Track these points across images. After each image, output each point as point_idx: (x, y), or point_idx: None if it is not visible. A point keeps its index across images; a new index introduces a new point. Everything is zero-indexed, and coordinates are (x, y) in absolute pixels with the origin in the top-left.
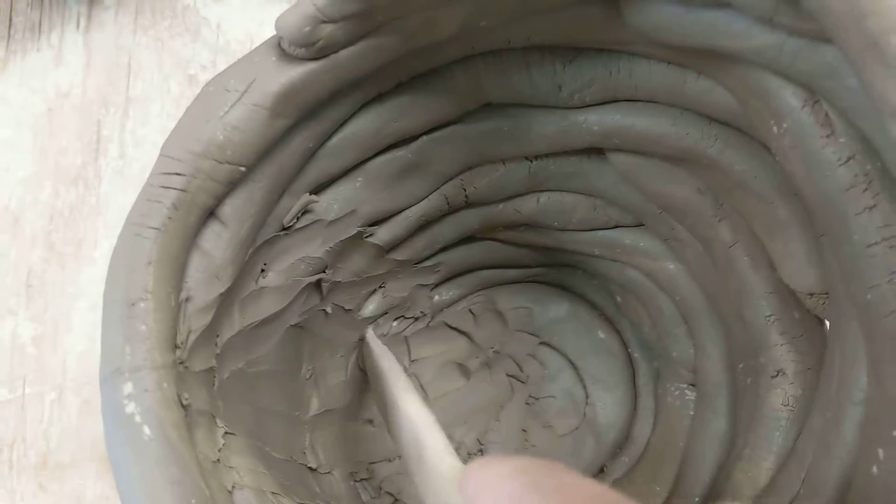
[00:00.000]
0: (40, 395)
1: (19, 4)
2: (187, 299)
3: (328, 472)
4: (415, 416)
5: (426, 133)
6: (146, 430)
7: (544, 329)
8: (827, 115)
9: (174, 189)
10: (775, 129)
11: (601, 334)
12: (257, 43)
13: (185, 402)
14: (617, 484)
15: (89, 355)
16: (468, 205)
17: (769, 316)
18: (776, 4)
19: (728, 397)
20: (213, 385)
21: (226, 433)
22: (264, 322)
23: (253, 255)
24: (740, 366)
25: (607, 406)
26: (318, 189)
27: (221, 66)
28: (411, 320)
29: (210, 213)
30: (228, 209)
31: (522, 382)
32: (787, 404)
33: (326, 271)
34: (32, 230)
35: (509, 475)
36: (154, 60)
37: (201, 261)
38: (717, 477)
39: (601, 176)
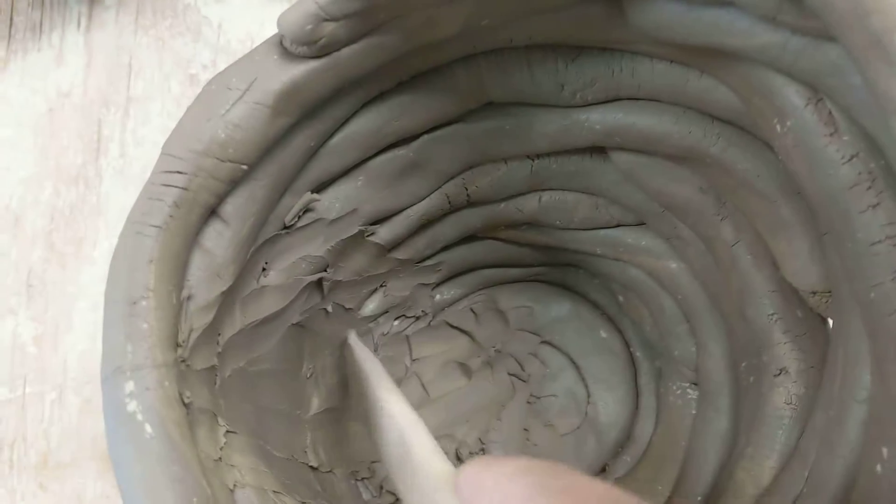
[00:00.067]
0: (41, 395)
1: (20, 4)
2: (189, 297)
3: (329, 471)
4: (400, 417)
5: (428, 132)
6: (148, 428)
7: (546, 328)
8: (830, 113)
9: (176, 187)
10: (778, 127)
11: (603, 333)
12: (258, 42)
13: (186, 401)
14: (618, 483)
15: (90, 355)
16: (470, 204)
17: (772, 314)
18: (779, 3)
19: (730, 396)
20: (215, 383)
21: (227, 432)
22: (265, 321)
23: (254, 253)
24: (743, 364)
25: (609, 405)
26: (319, 188)
27: (222, 66)
28: (412, 319)
29: (212, 212)
30: (230, 208)
31: (524, 381)
32: (790, 403)
33: (327, 270)
34: (33, 230)
35: (512, 476)
36: (155, 60)
37: (203, 259)
38: (719, 476)
39: (603, 175)
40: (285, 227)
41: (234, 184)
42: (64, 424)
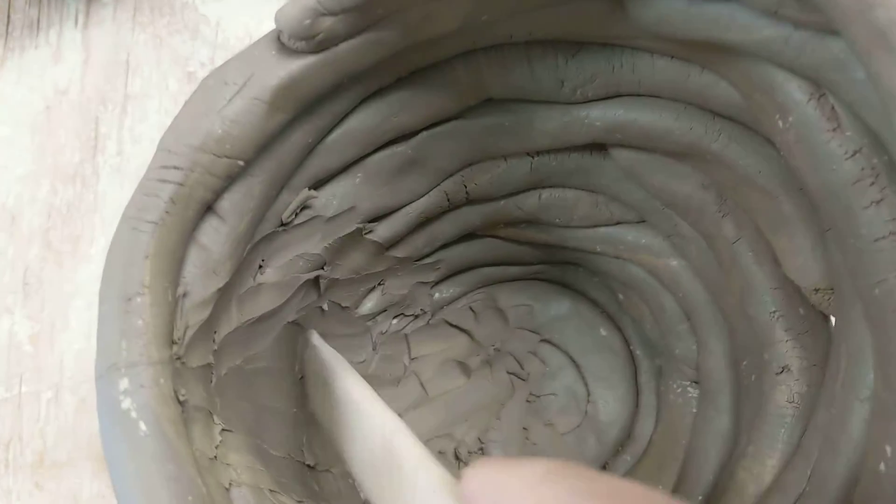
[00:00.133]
0: (37, 394)
1: (17, 2)
2: (185, 294)
3: (326, 470)
4: (383, 422)
5: (427, 128)
6: (142, 426)
7: (545, 326)
8: (833, 108)
9: (172, 183)
10: (780, 123)
11: (603, 332)
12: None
13: (181, 399)
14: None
15: (86, 353)
16: (469, 201)
17: (773, 312)
18: None
19: (731, 395)
20: (211, 381)
21: (223, 430)
22: (262, 318)
23: (251, 251)
24: (744, 363)
25: (609, 404)
26: (317, 185)
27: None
28: (411, 318)
29: (208, 208)
30: (227, 204)
31: (523, 380)
32: (792, 401)
33: (325, 268)
34: (30, 228)
35: (543, 479)
36: (152, 58)
37: (199, 256)
38: (720, 475)
39: (603, 172)
40: (282, 225)
41: (231, 180)
42: (60, 424)
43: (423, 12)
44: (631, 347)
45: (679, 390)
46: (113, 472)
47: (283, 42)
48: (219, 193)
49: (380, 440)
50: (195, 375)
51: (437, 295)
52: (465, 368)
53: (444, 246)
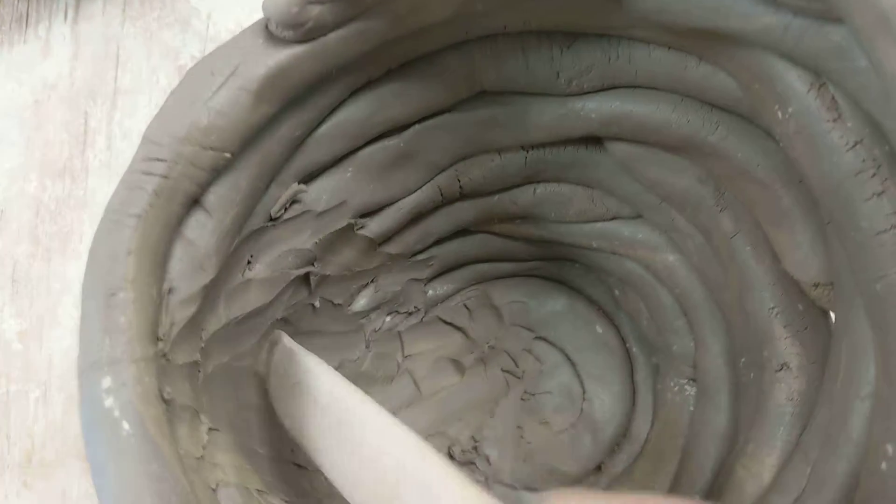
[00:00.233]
0: (25, 392)
1: None
2: (170, 290)
3: (317, 470)
4: (405, 443)
5: (419, 121)
6: (125, 425)
7: (540, 324)
8: (833, 98)
9: (156, 175)
10: (780, 113)
11: (599, 329)
12: None
13: (166, 397)
14: (616, 482)
15: (75, 351)
16: (462, 196)
17: (772, 308)
18: None
19: (729, 392)
20: (197, 379)
21: (210, 429)
22: (251, 315)
23: (239, 246)
24: (742, 360)
25: (605, 402)
26: (307, 179)
27: None
28: (404, 315)
29: (194, 202)
30: (213, 198)
31: (518, 378)
32: (792, 399)
33: (315, 264)
34: (18, 224)
35: None
36: (143, 51)
37: (185, 250)
38: (718, 474)
39: (599, 166)
40: (271, 219)
41: (217, 172)
42: (48, 422)
43: (413, 1)
44: (627, 345)
45: (676, 388)
46: (94, 471)
47: (272, 31)
48: (205, 187)
49: (393, 460)
50: (181, 373)
51: (430, 292)
52: (458, 366)
53: (438, 242)
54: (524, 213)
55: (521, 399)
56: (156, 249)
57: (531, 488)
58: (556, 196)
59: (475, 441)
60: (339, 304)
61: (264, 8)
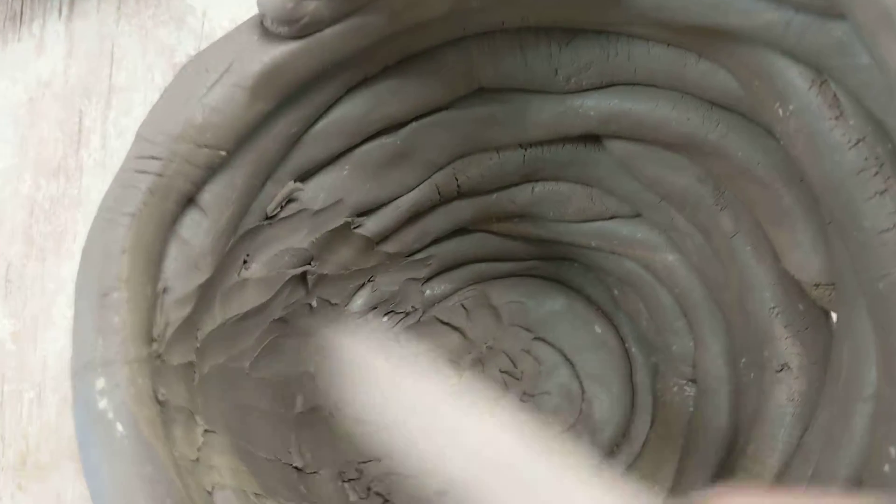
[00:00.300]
0: (19, 393)
1: None
2: (165, 290)
3: (315, 472)
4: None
5: (416, 119)
6: (119, 426)
7: (539, 324)
8: (835, 95)
9: (150, 174)
10: (780, 111)
11: (598, 329)
12: None
13: (161, 398)
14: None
15: (69, 352)
16: (460, 195)
17: (773, 308)
18: None
19: (730, 393)
20: (193, 380)
21: (206, 431)
22: (247, 315)
23: (235, 245)
24: (743, 360)
25: (604, 403)
26: (303, 177)
27: None
28: (402, 315)
29: (189, 200)
30: (208, 196)
31: (517, 379)
32: (793, 400)
33: (312, 263)
34: (12, 223)
35: None
36: (138, 49)
37: (180, 250)
38: (718, 475)
39: (598, 164)
40: (267, 218)
41: (212, 171)
42: (43, 423)
43: None
44: (626, 345)
45: (676, 388)
46: (88, 474)
47: (267, 27)
48: (199, 185)
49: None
50: (176, 374)
51: (428, 292)
52: (456, 367)
53: (436, 241)
54: (522, 212)
55: (520, 400)
56: (150, 248)
57: None
58: (554, 195)
59: None
60: (336, 304)
61: (259, 4)
